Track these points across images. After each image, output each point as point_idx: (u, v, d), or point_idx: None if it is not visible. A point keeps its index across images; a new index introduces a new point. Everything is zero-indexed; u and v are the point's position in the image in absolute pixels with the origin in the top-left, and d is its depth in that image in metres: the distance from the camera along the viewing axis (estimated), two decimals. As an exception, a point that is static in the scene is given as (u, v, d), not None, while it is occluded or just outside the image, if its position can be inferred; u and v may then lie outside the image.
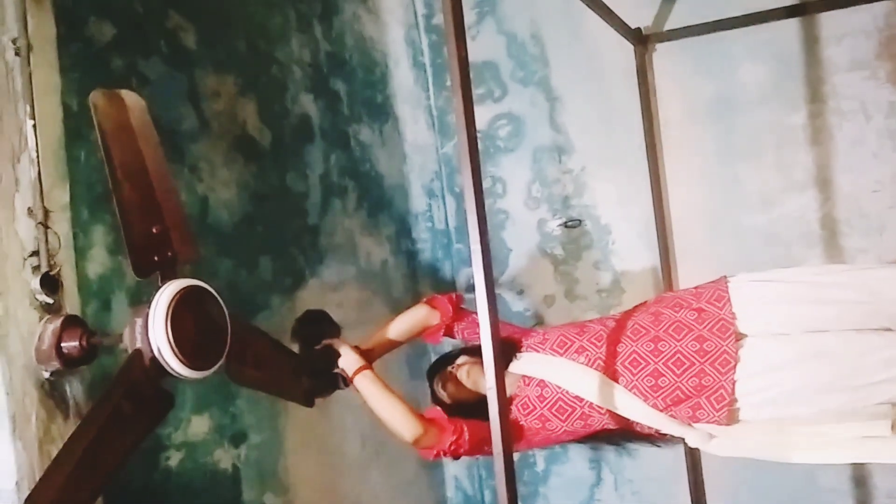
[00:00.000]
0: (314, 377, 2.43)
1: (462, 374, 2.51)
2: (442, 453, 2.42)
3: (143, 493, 2.26)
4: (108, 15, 2.34)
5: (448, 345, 2.86)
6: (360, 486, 3.14)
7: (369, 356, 2.53)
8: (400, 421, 2.37)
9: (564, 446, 3.52)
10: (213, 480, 2.53)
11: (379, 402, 2.39)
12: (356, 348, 2.46)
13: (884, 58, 3.01)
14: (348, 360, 2.42)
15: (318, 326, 2.48)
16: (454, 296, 2.65)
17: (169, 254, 1.85)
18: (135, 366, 1.78)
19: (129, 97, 1.91)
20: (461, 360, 2.57)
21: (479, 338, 1.85)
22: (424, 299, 2.68)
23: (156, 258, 1.83)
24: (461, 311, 2.63)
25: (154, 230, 1.84)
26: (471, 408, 2.50)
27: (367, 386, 2.39)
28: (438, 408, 2.52)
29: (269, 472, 2.73)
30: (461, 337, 2.69)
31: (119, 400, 1.73)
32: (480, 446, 2.41)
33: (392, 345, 2.61)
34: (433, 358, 2.84)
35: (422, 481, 3.55)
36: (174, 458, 2.38)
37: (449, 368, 2.56)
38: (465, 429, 2.41)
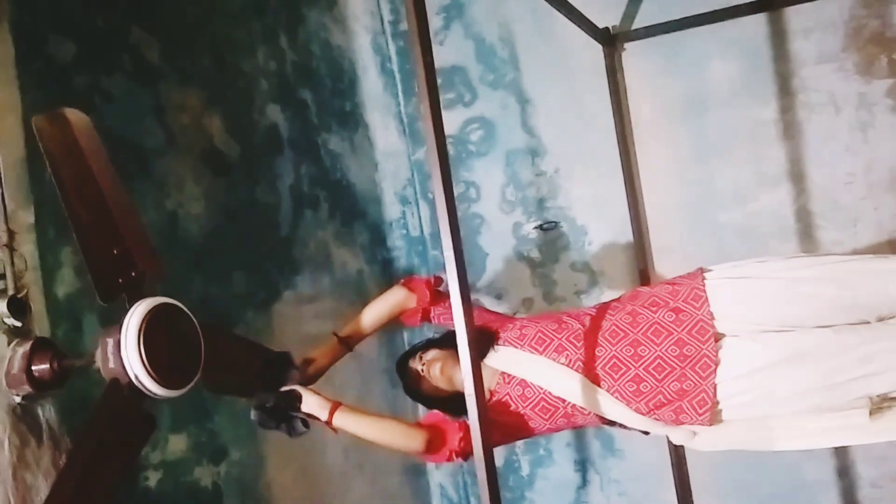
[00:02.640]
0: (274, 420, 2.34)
1: (435, 371, 2.46)
2: (454, 454, 2.34)
3: (124, 516, 2.23)
4: (69, 32, 2.31)
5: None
6: (343, 497, 3.11)
7: (348, 340, 2.51)
8: (400, 439, 2.33)
9: (549, 450, 3.52)
10: (194, 499, 2.51)
11: (369, 430, 2.33)
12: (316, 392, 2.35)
13: (851, 50, 3.03)
14: (314, 405, 2.30)
15: (279, 371, 2.38)
16: (433, 278, 2.60)
17: (133, 274, 1.81)
18: (113, 395, 1.75)
19: (73, 115, 1.85)
20: (431, 354, 2.51)
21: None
22: (402, 280, 2.65)
23: (120, 280, 1.80)
24: (439, 295, 2.57)
25: (115, 251, 1.80)
26: (446, 403, 2.48)
27: (350, 421, 2.30)
28: (437, 411, 2.45)
29: (251, 489, 2.71)
30: (438, 322, 2.63)
31: (102, 432, 1.71)
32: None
33: (370, 329, 2.56)
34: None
35: (406, 491, 3.52)
36: (153, 479, 2.35)
37: (419, 366, 2.52)
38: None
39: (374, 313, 2.58)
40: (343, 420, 2.29)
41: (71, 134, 1.81)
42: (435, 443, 2.33)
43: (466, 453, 2.35)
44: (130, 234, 1.84)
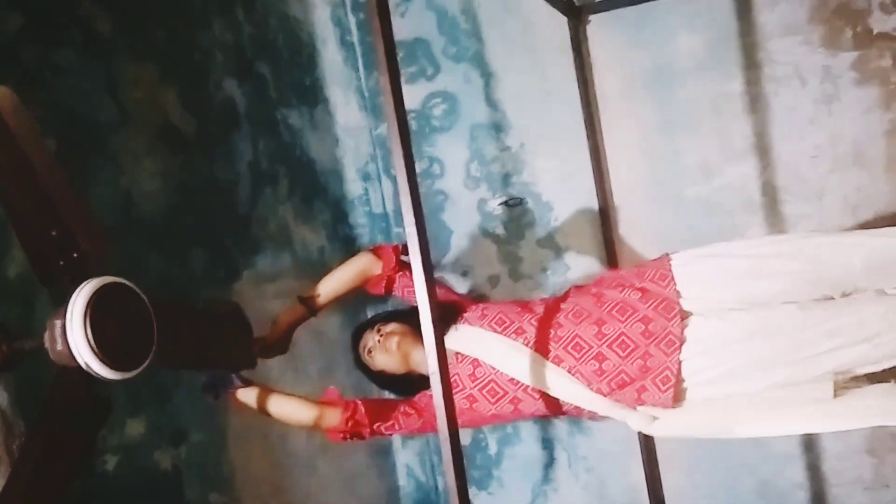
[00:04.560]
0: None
1: (391, 345, 2.45)
2: (346, 435, 2.41)
3: (81, 500, 2.16)
4: (15, 4, 2.23)
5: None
6: (308, 479, 3.07)
7: (312, 304, 2.49)
8: (292, 412, 2.40)
9: (516, 427, 3.50)
10: (153, 482, 2.47)
11: (268, 406, 2.39)
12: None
13: (816, 21, 3.01)
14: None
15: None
16: (400, 245, 2.56)
17: (75, 255, 1.74)
18: (63, 379, 1.70)
19: None
20: (391, 327, 2.50)
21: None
22: (370, 248, 2.61)
23: (61, 262, 1.72)
24: (405, 265, 2.54)
25: (53, 233, 1.72)
26: (395, 381, 2.47)
27: (250, 397, 2.38)
28: (334, 388, 2.49)
29: (212, 471, 2.67)
30: (401, 294, 2.61)
31: (54, 418, 1.67)
32: (382, 425, 2.43)
33: (334, 293, 2.55)
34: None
35: (372, 471, 3.50)
36: (111, 462, 2.31)
37: (377, 334, 2.49)
38: (360, 404, 2.40)
39: (338, 277, 2.56)
40: (246, 395, 2.38)
41: None
42: (326, 419, 2.39)
43: (357, 434, 2.43)
44: (69, 213, 1.75)
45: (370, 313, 3.38)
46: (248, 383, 2.40)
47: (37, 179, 1.73)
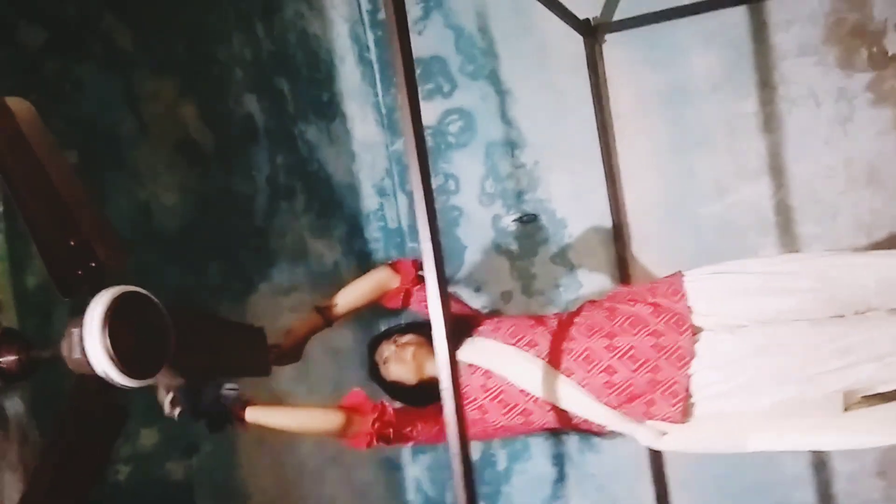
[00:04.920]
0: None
1: (407, 355, 2.45)
2: (372, 439, 2.35)
3: (94, 509, 2.20)
4: (40, 19, 2.26)
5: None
6: (317, 491, 3.08)
7: (328, 314, 2.50)
8: (316, 421, 2.36)
9: (526, 444, 3.50)
10: (165, 493, 2.48)
11: (284, 419, 2.35)
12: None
13: (831, 42, 3.02)
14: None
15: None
16: (419, 261, 2.58)
17: (93, 264, 1.77)
18: (81, 387, 1.72)
19: (16, 104, 1.77)
20: (407, 337, 2.50)
21: None
22: (388, 262, 2.63)
23: (80, 272, 1.75)
24: (423, 279, 2.55)
25: (71, 243, 1.75)
26: (409, 392, 2.47)
27: (261, 414, 2.29)
28: (359, 390, 2.43)
29: (223, 482, 2.68)
30: (418, 308, 2.62)
31: (73, 427, 1.69)
32: (408, 430, 2.38)
33: (350, 305, 2.56)
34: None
35: (381, 484, 3.50)
36: (123, 472, 2.32)
37: (393, 345, 2.50)
38: (387, 405, 2.37)
39: (356, 289, 2.58)
40: (255, 415, 2.27)
41: (14, 124, 1.73)
42: (352, 426, 2.33)
43: (384, 437, 2.36)
44: (87, 223, 1.79)
45: (383, 327, 3.40)
46: (244, 400, 2.30)
47: (55, 190, 1.76)
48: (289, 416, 2.37)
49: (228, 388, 2.24)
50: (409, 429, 2.39)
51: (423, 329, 2.46)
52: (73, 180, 1.82)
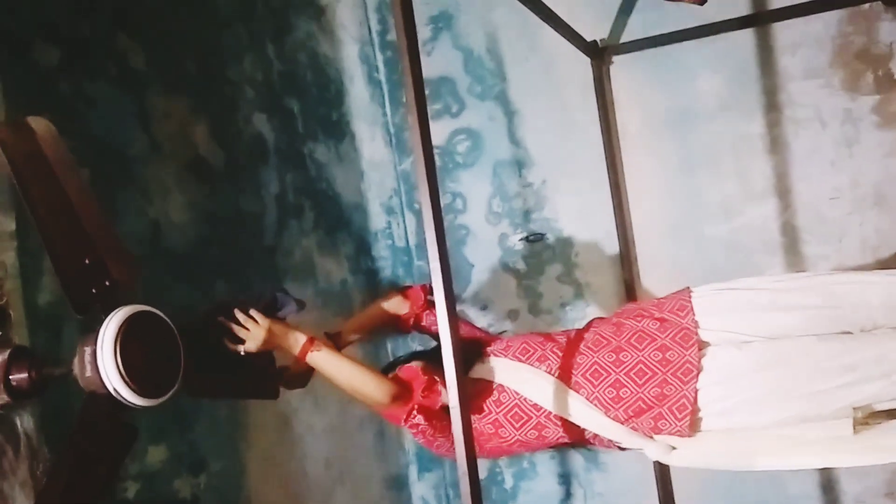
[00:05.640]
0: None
1: None
2: (413, 408, 2.30)
3: (101, 527, 2.20)
4: (54, 38, 2.28)
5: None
6: (325, 509, 3.08)
7: (338, 340, 2.53)
8: (368, 386, 2.26)
9: (533, 462, 3.50)
10: (173, 511, 2.48)
11: (341, 372, 2.27)
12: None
13: (837, 65, 3.04)
14: (287, 338, 2.25)
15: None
16: (429, 285, 2.60)
17: (107, 283, 1.78)
18: (92, 406, 1.73)
19: (38, 124, 1.79)
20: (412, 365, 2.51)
21: None
22: (400, 288, 2.65)
23: (93, 290, 1.76)
24: (432, 303, 2.55)
25: (86, 261, 1.77)
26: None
27: (323, 359, 2.25)
28: (414, 365, 2.40)
29: (231, 500, 2.67)
30: (427, 330, 2.70)
31: (82, 445, 1.69)
32: (445, 423, 2.27)
33: (361, 330, 2.61)
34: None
35: (388, 502, 3.49)
36: (131, 490, 2.31)
37: None
38: (438, 383, 2.30)
39: (366, 316, 2.62)
40: (317, 358, 2.25)
41: (35, 143, 1.75)
42: (401, 397, 2.29)
43: (425, 410, 2.30)
44: (102, 242, 1.80)
45: (390, 348, 3.41)
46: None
47: (73, 208, 1.77)
48: (347, 369, 2.27)
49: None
50: (446, 422, 2.33)
51: (429, 357, 2.47)
52: (90, 199, 1.84)
